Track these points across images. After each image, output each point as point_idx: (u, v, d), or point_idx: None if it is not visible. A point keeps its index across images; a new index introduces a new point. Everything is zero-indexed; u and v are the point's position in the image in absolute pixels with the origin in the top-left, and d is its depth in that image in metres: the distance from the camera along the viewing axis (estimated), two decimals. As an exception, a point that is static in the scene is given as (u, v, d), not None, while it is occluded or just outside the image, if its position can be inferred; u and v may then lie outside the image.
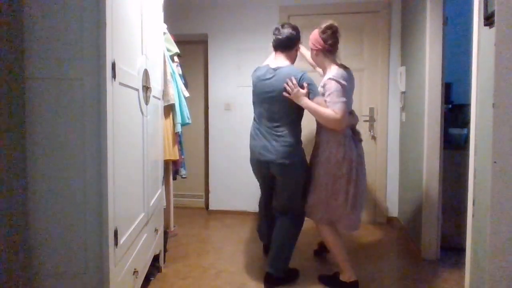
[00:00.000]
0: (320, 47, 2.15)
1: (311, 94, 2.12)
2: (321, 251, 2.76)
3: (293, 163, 2.17)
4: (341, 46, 3.82)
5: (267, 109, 2.22)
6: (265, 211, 2.51)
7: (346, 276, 2.20)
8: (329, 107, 2.03)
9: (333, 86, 2.02)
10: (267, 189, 2.44)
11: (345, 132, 2.13)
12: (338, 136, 2.11)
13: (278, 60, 2.27)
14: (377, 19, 3.52)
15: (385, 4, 3.49)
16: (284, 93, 2.12)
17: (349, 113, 2.17)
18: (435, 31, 2.60)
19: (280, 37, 2.24)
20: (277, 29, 2.27)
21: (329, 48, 2.14)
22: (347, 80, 2.07)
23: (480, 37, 1.69)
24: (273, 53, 2.35)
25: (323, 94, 2.10)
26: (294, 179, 2.23)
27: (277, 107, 2.18)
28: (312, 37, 2.19)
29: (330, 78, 2.05)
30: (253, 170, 2.41)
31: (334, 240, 2.22)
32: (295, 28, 2.26)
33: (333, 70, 2.10)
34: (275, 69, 2.21)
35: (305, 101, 2.07)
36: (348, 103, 2.08)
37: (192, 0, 3.83)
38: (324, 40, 2.14)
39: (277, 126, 2.19)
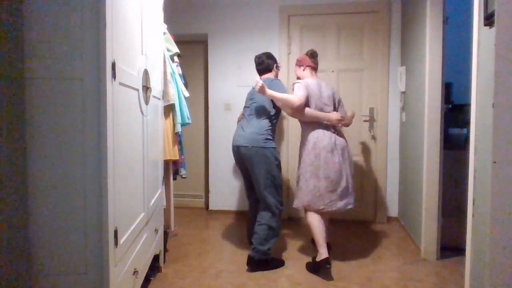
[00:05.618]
0: (308, 64, 2.74)
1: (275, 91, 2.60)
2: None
3: (255, 149, 2.53)
4: (341, 46, 3.83)
5: (249, 105, 2.75)
6: (248, 199, 2.90)
7: (319, 257, 2.45)
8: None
9: (296, 85, 2.60)
10: (246, 178, 2.78)
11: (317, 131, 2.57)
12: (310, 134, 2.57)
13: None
14: (377, 19, 3.52)
15: (385, 4, 3.49)
16: (255, 89, 2.54)
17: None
18: (435, 31, 2.60)
19: (259, 67, 2.83)
20: (255, 58, 2.85)
21: (313, 66, 2.75)
22: (310, 85, 2.58)
23: (480, 37, 1.69)
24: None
25: None
26: (257, 168, 2.54)
27: (256, 106, 2.69)
28: (301, 58, 2.77)
29: (295, 83, 2.63)
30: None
31: (315, 224, 2.48)
32: (269, 57, 2.82)
33: (303, 80, 2.67)
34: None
35: (269, 92, 2.50)
36: (310, 100, 2.57)
37: (192, 0, 3.83)
38: (311, 60, 2.77)
39: (253, 119, 2.67)
